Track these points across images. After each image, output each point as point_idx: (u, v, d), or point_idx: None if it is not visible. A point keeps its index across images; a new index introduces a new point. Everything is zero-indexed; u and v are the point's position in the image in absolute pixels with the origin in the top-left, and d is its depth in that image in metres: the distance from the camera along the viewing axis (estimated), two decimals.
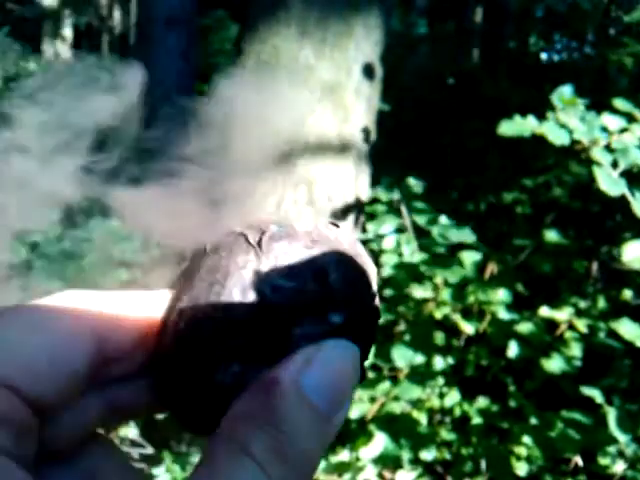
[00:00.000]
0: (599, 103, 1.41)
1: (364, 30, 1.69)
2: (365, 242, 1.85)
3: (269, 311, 0.23)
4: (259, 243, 0.24)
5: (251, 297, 0.23)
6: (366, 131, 1.82)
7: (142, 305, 0.26)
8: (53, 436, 0.24)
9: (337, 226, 0.26)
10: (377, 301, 0.26)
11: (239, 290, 0.23)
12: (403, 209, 1.67)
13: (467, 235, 1.38)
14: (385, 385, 1.23)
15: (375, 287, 0.26)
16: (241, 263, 0.24)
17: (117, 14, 7.28)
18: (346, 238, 0.26)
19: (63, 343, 0.23)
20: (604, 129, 1.32)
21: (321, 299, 0.24)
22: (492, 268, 1.40)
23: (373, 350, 1.01)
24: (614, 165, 1.17)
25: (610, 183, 1.05)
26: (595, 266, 1.77)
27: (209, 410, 0.24)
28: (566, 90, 1.22)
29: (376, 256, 1.74)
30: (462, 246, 1.53)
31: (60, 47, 6.81)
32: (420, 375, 1.23)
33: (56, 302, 0.24)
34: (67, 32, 6.74)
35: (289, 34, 1.66)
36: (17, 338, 0.23)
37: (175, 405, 0.25)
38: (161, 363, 0.25)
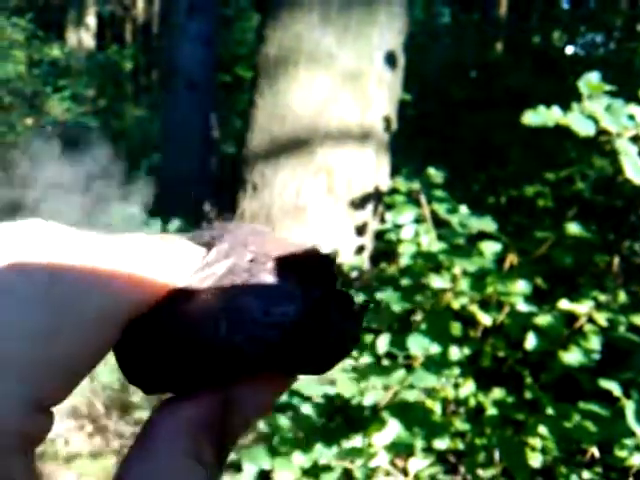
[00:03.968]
0: (625, 96, 1.39)
1: (387, 18, 1.68)
2: (384, 232, 1.84)
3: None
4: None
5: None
6: (387, 120, 1.81)
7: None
8: None
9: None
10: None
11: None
12: (422, 199, 1.66)
13: (488, 224, 1.37)
14: (400, 373, 1.22)
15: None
16: None
17: (140, 3, 7.31)
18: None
19: None
20: (631, 118, 1.30)
21: None
22: (512, 259, 1.39)
23: (388, 338, 1.00)
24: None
25: (637, 171, 1.03)
26: (616, 260, 1.74)
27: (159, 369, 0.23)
28: (593, 77, 1.21)
29: (394, 246, 1.73)
30: (482, 237, 1.52)
31: (84, 35, 6.86)
32: (435, 364, 1.23)
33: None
34: (91, 20, 6.80)
35: (311, 22, 1.66)
36: None
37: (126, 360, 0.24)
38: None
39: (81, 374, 0.20)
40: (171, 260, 0.22)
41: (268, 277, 0.23)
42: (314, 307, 0.23)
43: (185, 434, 0.22)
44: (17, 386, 0.18)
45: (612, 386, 1.21)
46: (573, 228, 1.56)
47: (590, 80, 1.20)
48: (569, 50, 4.18)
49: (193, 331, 0.22)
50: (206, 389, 0.23)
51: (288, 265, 0.24)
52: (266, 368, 0.23)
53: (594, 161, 2.13)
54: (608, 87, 1.22)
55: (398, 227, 1.70)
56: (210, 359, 0.22)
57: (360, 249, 1.91)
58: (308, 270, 0.24)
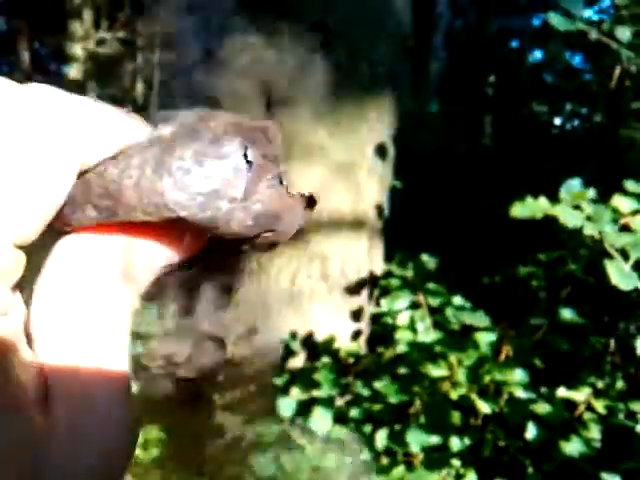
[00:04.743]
0: (610, 183, 1.43)
1: (377, 114, 1.75)
2: (379, 316, 1.85)
3: None
4: None
5: None
6: (379, 208, 1.86)
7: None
8: None
9: None
10: None
11: None
12: (417, 285, 1.68)
13: (480, 319, 1.39)
14: (400, 470, 1.21)
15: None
16: None
17: (140, 86, 7.53)
18: None
19: None
20: (615, 211, 1.34)
21: None
22: (507, 350, 1.39)
23: (387, 433, 1.00)
24: (624, 254, 1.18)
25: (621, 277, 1.06)
26: (612, 343, 1.75)
27: None
28: (574, 184, 1.25)
29: (390, 328, 1.74)
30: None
31: None
32: (436, 460, 1.21)
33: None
34: None
35: (304, 118, 1.72)
36: None
37: None
38: None
39: (45, 215, 0.21)
40: (122, 123, 0.23)
41: (208, 133, 0.23)
42: (248, 169, 0.23)
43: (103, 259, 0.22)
44: None
45: (614, 479, 1.20)
46: (566, 314, 1.57)
47: (571, 187, 1.24)
48: (556, 121, 4.30)
49: (122, 166, 0.22)
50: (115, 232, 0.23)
51: (232, 128, 0.24)
52: (183, 220, 0.23)
53: (585, 239, 2.16)
54: (591, 193, 1.25)
55: (394, 312, 1.71)
56: (132, 199, 0.22)
57: (356, 334, 1.91)
58: (253, 137, 0.24)
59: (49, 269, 0.22)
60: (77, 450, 0.21)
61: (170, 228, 0.23)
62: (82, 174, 0.22)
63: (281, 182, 0.24)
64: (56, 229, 0.23)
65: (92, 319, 0.22)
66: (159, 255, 0.23)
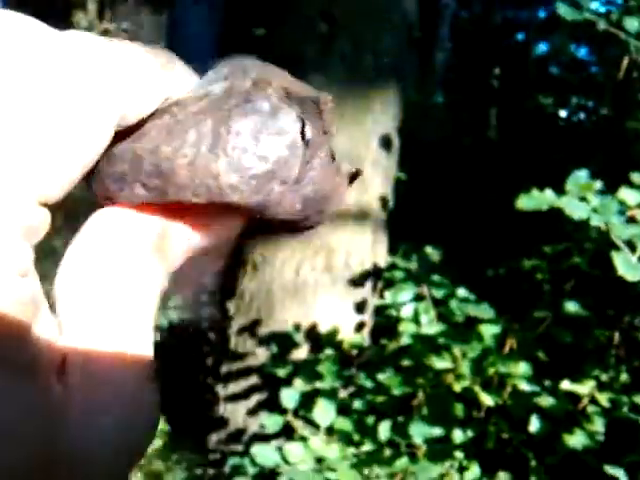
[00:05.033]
0: (617, 175, 1.43)
1: (381, 105, 1.74)
2: (383, 308, 1.85)
3: None
4: None
5: None
6: (384, 200, 1.85)
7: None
8: None
9: None
10: None
11: None
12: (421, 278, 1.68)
13: (485, 311, 1.38)
14: (403, 461, 1.21)
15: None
16: None
17: None
18: None
19: None
20: (622, 203, 1.33)
21: None
22: (512, 343, 1.39)
23: (389, 425, 1.00)
24: (631, 245, 1.17)
25: (628, 268, 1.05)
26: (617, 336, 1.74)
27: None
28: (581, 175, 1.24)
29: (393, 320, 1.74)
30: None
31: None
32: (439, 452, 1.21)
33: None
34: None
35: None
36: None
37: None
38: None
39: (74, 173, 0.19)
40: (166, 73, 0.21)
41: (265, 104, 0.21)
42: (304, 147, 0.21)
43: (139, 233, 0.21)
44: (16, 179, 0.18)
45: (617, 472, 1.20)
46: (571, 307, 1.57)
47: (578, 179, 1.23)
48: (562, 114, 4.28)
49: (177, 143, 0.21)
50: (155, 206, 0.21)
51: (288, 96, 0.22)
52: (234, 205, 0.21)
53: (591, 232, 2.15)
54: (598, 184, 1.25)
55: (398, 304, 1.71)
56: (183, 172, 0.21)
57: (360, 326, 1.91)
58: (306, 108, 0.22)
59: (81, 238, 0.21)
60: (93, 425, 0.20)
61: (214, 208, 0.21)
62: (127, 139, 0.21)
63: (333, 159, 0.23)
64: (99, 203, 0.22)
65: (118, 292, 0.21)
66: (196, 234, 0.22)
